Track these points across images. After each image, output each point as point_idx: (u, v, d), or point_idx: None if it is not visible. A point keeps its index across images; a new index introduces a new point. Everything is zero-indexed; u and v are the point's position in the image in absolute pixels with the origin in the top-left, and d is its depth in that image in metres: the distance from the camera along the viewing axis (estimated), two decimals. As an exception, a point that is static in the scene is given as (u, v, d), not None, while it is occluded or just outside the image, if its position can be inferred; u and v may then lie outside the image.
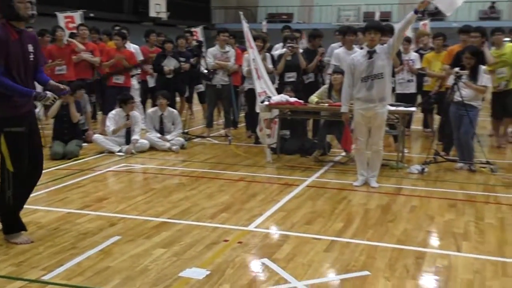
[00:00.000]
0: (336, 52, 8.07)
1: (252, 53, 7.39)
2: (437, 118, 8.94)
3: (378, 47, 5.68)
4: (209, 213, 5.01)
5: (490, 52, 7.75)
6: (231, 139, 8.50)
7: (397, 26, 5.54)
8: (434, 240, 4.26)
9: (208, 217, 4.89)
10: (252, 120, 8.53)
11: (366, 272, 3.64)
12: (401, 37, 5.63)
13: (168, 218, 4.85)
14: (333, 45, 8.67)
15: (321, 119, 7.45)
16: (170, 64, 9.16)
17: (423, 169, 6.41)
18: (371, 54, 5.67)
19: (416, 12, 5.53)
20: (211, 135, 9.06)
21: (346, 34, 8.02)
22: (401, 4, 26.92)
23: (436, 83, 8.58)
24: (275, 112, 7.18)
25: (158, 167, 6.95)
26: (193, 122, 10.65)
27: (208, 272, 3.67)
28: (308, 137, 8.11)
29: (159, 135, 8.00)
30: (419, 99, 9.25)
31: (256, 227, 4.60)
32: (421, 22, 14.21)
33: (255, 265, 3.80)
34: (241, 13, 7.82)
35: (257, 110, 7.22)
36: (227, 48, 8.86)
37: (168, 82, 9.18)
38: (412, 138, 9.14)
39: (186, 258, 3.93)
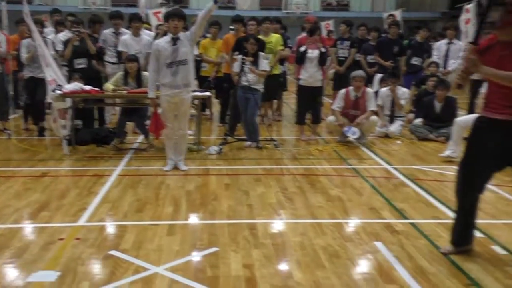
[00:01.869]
0: (123, 39, 8.08)
1: (37, 38, 6.88)
2: (215, 102, 9.66)
3: (181, 34, 5.91)
4: (26, 213, 4.67)
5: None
6: (11, 133, 7.77)
7: (199, 15, 5.85)
8: (258, 212, 4.78)
9: (28, 218, 4.57)
10: (34, 111, 7.94)
11: (215, 248, 3.94)
12: (203, 25, 5.96)
13: (-21, 225, 4.37)
14: (105, 31, 8.58)
15: (120, 106, 7.38)
16: None
17: (220, 149, 6.95)
18: (175, 40, 5.87)
19: (215, 1, 5.88)
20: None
21: (133, 21, 8.09)
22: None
23: (213, 69, 9.22)
24: (69, 101, 6.84)
25: None
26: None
27: (58, 273, 3.52)
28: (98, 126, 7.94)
29: None
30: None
31: (87, 222, 4.48)
32: (170, 9, 14.74)
33: (106, 259, 3.76)
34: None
35: (49, 100, 6.80)
36: (-5, 32, 8.02)
37: None
38: (193, 120, 9.65)
39: (25, 262, 3.68)
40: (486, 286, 3.43)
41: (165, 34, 7.29)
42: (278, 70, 8.99)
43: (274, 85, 9.00)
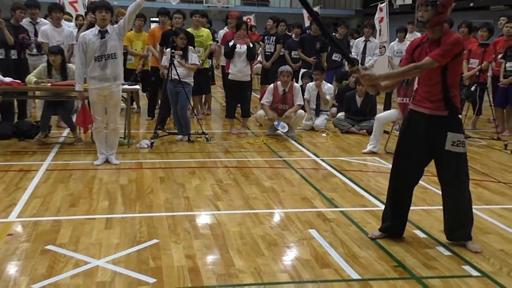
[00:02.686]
0: (44, 29, 7.83)
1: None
2: (142, 95, 9.55)
3: (109, 27, 5.82)
4: (-51, 210, 4.43)
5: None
6: None
7: (128, 9, 5.80)
8: (195, 204, 4.83)
9: (-48, 215, 4.35)
10: None
11: (156, 240, 3.96)
12: (132, 19, 5.92)
13: None
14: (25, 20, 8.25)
15: (43, 99, 7.12)
16: None
17: (152, 143, 6.91)
18: (103, 34, 5.77)
19: None
20: None
21: (53, 11, 7.84)
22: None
23: (139, 62, 9.10)
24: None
25: None
26: None
27: (-8, 270, 3.42)
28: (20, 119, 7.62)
29: None
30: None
31: (18, 217, 4.35)
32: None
33: (43, 253, 3.68)
34: None
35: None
36: None
37: None
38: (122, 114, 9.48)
39: (-45, 261, 3.52)
40: (410, 266, 3.70)
41: (90, 25, 7.14)
42: (208, 64, 9.04)
43: (205, 79, 9.04)
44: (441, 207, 4.14)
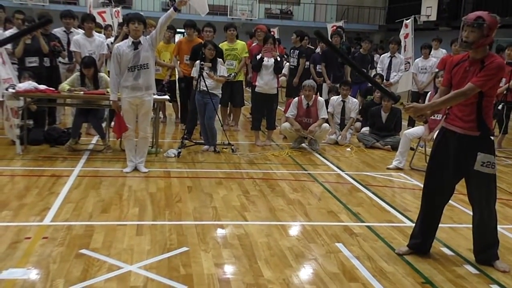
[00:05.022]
0: (76, 39, 8.02)
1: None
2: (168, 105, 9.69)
3: (142, 38, 5.96)
4: (-14, 213, 4.57)
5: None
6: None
7: (159, 21, 5.94)
8: (223, 214, 4.90)
9: (-11, 217, 4.48)
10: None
11: (185, 248, 4.04)
12: (163, 30, 6.07)
13: None
14: (56, 30, 8.46)
15: (75, 107, 7.29)
16: None
17: (179, 152, 7.02)
18: (136, 45, 5.91)
19: (175, 9, 5.99)
20: None
21: (85, 21, 8.06)
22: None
23: (167, 73, 9.26)
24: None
25: None
26: None
27: (30, 271, 3.53)
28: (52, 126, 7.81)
29: None
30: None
31: (52, 221, 4.46)
32: (114, 9, 14.69)
33: (78, 257, 3.78)
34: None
35: (1, 98, 6.64)
36: None
37: None
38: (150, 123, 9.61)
39: (-6, 261, 3.63)
40: (439, 284, 3.71)
41: (125, 36, 7.32)
42: (242, 77, 9.14)
43: (238, 92, 9.11)
44: (468, 225, 4.14)
